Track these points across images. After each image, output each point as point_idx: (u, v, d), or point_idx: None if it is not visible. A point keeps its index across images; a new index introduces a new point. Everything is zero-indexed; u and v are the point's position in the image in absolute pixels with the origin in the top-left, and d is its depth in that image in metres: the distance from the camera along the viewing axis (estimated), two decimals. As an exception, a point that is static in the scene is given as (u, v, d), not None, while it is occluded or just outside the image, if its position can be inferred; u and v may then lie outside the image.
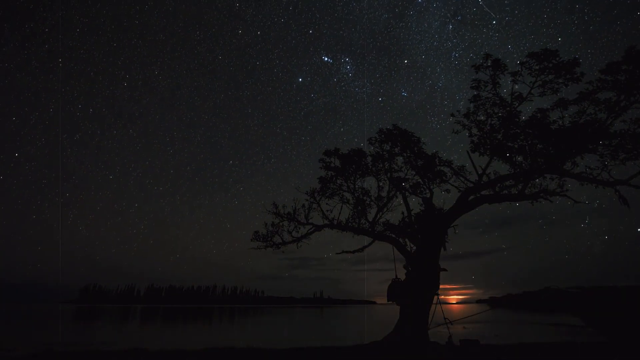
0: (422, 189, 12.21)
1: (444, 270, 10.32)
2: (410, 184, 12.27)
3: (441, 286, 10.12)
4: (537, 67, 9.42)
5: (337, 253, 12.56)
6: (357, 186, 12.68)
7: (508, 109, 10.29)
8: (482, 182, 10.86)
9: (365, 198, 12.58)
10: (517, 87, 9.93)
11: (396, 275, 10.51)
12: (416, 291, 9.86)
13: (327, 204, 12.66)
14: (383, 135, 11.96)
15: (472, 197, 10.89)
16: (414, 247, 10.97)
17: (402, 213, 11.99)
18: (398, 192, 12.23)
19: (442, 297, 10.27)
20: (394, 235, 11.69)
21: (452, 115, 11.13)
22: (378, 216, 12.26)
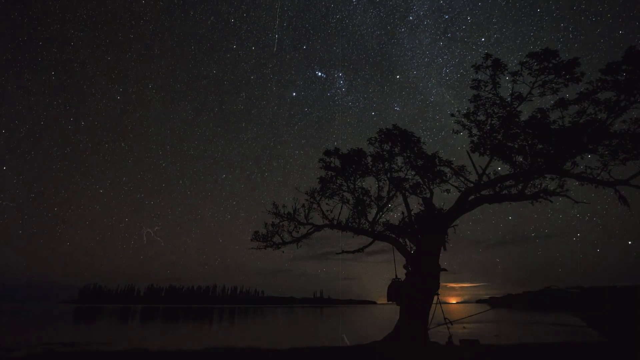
0: (422, 189, 12.21)
1: (444, 270, 10.33)
2: (410, 184, 12.27)
3: (442, 284, 10.14)
4: (537, 67, 9.42)
5: (337, 253, 12.56)
6: (357, 186, 12.68)
7: (508, 109, 10.28)
8: (482, 182, 10.86)
9: (365, 198, 12.58)
10: (516, 87, 9.93)
11: (396, 275, 10.52)
12: (416, 291, 9.86)
13: (327, 204, 12.67)
14: (383, 136, 11.96)
15: (472, 197, 10.89)
16: (414, 247, 10.96)
17: (402, 213, 12.00)
18: (398, 192, 12.23)
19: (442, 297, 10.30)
20: (394, 235, 11.69)
21: (452, 115, 11.13)
22: (378, 216, 12.26)
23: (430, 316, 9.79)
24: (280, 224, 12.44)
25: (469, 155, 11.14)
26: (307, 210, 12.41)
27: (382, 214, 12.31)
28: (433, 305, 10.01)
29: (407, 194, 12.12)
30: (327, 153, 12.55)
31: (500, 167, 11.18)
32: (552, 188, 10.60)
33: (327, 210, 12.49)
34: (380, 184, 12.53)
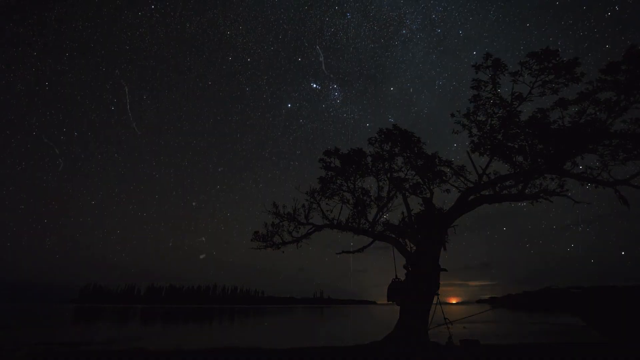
0: (422, 189, 12.21)
1: (444, 270, 10.33)
2: (410, 184, 12.27)
3: (441, 283, 10.15)
4: (537, 67, 9.42)
5: (337, 253, 12.55)
6: (357, 186, 12.68)
7: (508, 109, 10.28)
8: (482, 182, 10.85)
9: (365, 198, 12.58)
10: (516, 87, 9.92)
11: (396, 275, 10.52)
12: (416, 291, 9.86)
13: (327, 204, 12.67)
14: (383, 136, 11.96)
15: (472, 197, 10.89)
16: (414, 247, 10.97)
17: (402, 213, 12.00)
18: (398, 192, 12.23)
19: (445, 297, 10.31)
20: (394, 235, 11.69)
21: (452, 115, 11.13)
22: (378, 216, 12.26)
23: (430, 316, 9.79)
24: (280, 224, 12.44)
25: (469, 155, 11.15)
26: (307, 210, 12.41)
27: (382, 214, 12.32)
28: (433, 306, 10.02)
29: (407, 194, 12.13)
30: (327, 153, 12.56)
31: (501, 168, 11.18)
32: (552, 188, 10.61)
33: (327, 210, 12.50)
34: (380, 184, 12.53)
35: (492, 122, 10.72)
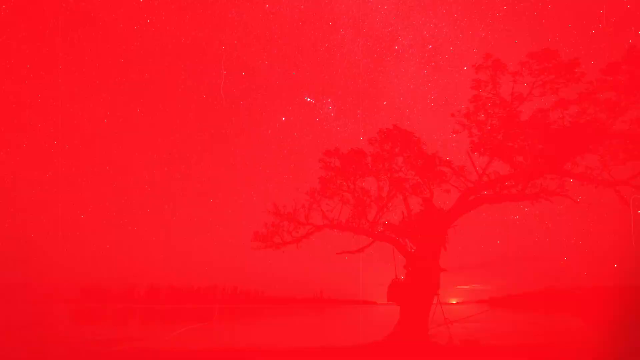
0: (422, 189, 12.19)
1: (444, 270, 10.33)
2: (410, 184, 12.25)
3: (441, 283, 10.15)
4: (537, 67, 9.41)
5: (337, 253, 12.54)
6: (357, 186, 12.66)
7: (508, 109, 10.27)
8: (482, 182, 10.85)
9: (365, 198, 12.56)
10: (517, 87, 9.92)
11: (396, 275, 10.53)
12: (416, 291, 9.86)
13: (327, 204, 12.65)
14: (383, 136, 11.96)
15: (472, 197, 10.89)
16: (414, 247, 10.96)
17: (402, 213, 11.99)
18: (398, 192, 12.22)
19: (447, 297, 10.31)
20: (394, 235, 11.68)
21: (453, 115, 11.13)
22: (378, 216, 12.25)
23: (430, 316, 9.79)
24: (281, 224, 12.43)
25: (469, 155, 11.14)
26: (307, 211, 12.41)
27: (382, 214, 12.30)
28: (433, 306, 10.02)
29: (407, 194, 12.11)
30: (327, 153, 12.55)
31: (501, 168, 11.16)
32: (552, 188, 10.59)
33: (327, 211, 12.48)
34: (381, 184, 12.51)
35: (492, 122, 10.71)
